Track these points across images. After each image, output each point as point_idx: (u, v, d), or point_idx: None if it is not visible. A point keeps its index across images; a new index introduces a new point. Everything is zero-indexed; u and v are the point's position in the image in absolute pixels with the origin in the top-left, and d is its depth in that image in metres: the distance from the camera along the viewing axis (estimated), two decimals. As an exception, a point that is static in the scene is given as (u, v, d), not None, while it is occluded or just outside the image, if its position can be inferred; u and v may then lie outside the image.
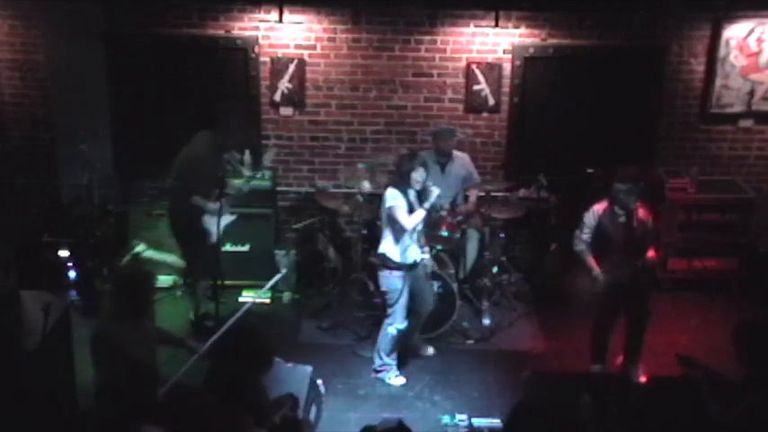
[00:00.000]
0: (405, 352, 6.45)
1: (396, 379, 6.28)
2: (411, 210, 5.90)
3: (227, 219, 6.71)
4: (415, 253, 6.04)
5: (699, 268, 7.40)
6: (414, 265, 6.07)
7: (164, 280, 7.60)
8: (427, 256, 6.28)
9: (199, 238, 6.64)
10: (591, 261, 6.03)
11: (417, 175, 5.85)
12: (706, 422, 4.32)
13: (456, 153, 7.22)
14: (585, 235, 6.03)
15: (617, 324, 6.19)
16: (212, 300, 6.66)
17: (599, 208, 5.99)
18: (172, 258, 7.28)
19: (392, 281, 6.02)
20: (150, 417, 3.95)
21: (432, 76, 7.74)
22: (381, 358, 6.26)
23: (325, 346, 6.78)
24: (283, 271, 6.64)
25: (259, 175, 7.46)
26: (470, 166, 7.34)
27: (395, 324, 6.12)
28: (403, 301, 6.06)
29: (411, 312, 6.22)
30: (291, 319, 7.22)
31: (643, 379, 6.01)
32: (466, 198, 7.45)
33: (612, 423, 4.57)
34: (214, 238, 6.63)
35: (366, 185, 7.20)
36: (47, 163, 7.92)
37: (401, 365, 6.36)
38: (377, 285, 6.89)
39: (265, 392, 4.41)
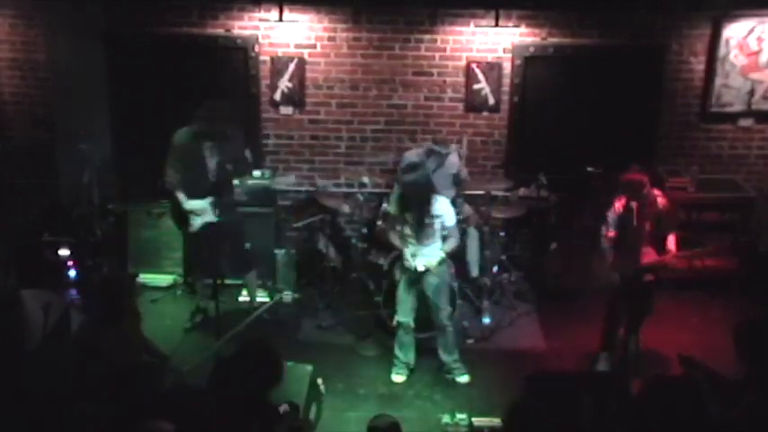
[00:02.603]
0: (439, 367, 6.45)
1: (394, 376, 6.30)
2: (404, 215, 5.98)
3: (207, 217, 6.66)
4: (416, 260, 6.01)
5: (699, 267, 7.40)
6: (413, 271, 6.05)
7: (164, 280, 7.62)
8: (432, 265, 6.05)
9: (185, 230, 6.73)
10: (609, 260, 6.15)
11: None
12: (706, 422, 4.31)
13: None
14: (611, 232, 6.14)
15: (625, 315, 6.29)
16: (212, 299, 6.66)
17: (618, 204, 6.08)
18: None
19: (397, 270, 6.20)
20: (154, 412, 3.95)
21: (432, 75, 7.74)
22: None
23: (325, 345, 6.77)
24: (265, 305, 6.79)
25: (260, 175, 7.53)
26: (458, 163, 7.29)
27: (396, 315, 6.21)
28: (400, 294, 6.14)
29: (432, 321, 6.30)
30: (291, 319, 7.22)
31: (636, 386, 6.07)
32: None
33: (612, 423, 4.58)
34: (193, 228, 6.63)
35: (366, 180, 7.31)
36: (47, 163, 7.92)
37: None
38: (376, 284, 6.91)
39: (271, 405, 4.37)
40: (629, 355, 6.23)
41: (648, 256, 6.03)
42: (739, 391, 4.27)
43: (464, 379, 6.32)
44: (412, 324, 6.21)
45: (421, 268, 6.00)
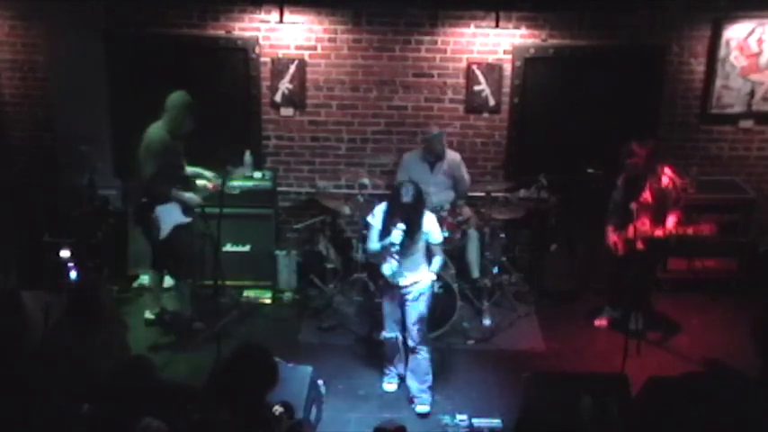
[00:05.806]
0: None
1: (387, 384, 6.23)
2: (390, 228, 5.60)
3: (180, 219, 6.55)
4: (401, 276, 5.73)
5: (699, 268, 7.40)
6: (397, 286, 5.80)
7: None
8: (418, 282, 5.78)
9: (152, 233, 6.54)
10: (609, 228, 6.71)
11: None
12: (707, 422, 4.30)
13: (448, 152, 7.22)
14: (617, 195, 6.71)
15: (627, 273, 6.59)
16: (212, 299, 6.67)
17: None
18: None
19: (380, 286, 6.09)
20: (148, 409, 3.95)
21: (432, 76, 7.74)
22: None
23: (325, 346, 6.78)
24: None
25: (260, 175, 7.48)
26: (461, 165, 7.33)
27: (383, 332, 6.06)
28: (385, 307, 5.95)
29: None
30: (291, 319, 7.22)
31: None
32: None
33: (612, 423, 4.57)
34: (163, 234, 6.49)
35: (366, 182, 7.30)
36: (47, 163, 7.92)
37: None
38: (377, 286, 6.91)
39: (269, 407, 4.37)
40: (631, 334, 6.22)
41: (643, 226, 6.36)
42: (756, 387, 4.25)
43: (423, 409, 5.92)
44: (400, 337, 5.99)
45: (404, 282, 5.75)
